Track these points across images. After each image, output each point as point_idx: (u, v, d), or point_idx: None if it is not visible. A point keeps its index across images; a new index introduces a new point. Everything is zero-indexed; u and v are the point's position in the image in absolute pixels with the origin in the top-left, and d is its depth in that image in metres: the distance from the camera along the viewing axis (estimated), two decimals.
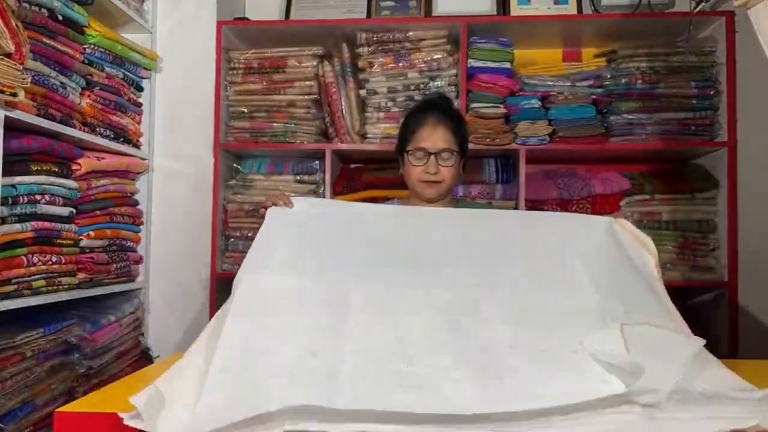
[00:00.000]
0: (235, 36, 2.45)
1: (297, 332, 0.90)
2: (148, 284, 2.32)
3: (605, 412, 0.74)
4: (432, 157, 1.52)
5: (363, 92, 2.31)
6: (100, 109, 2.01)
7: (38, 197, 1.69)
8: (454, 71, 2.28)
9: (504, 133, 2.23)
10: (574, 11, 2.37)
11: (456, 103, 2.26)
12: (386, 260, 1.04)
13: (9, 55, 1.43)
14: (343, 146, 2.31)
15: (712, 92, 2.22)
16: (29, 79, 1.51)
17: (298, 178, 2.36)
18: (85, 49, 1.92)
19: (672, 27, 2.28)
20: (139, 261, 2.26)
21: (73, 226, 1.86)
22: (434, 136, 1.54)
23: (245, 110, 2.37)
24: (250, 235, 2.33)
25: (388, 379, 0.81)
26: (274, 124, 2.35)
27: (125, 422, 0.79)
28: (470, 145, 2.21)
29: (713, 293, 2.26)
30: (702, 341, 0.84)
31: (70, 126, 1.82)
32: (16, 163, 1.60)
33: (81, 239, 1.89)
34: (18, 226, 1.61)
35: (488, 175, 2.32)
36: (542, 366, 0.84)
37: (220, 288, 2.36)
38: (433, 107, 1.61)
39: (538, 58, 2.54)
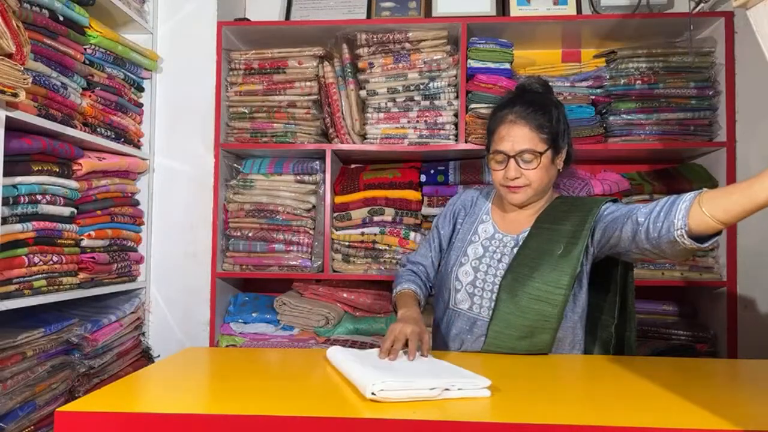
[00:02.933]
0: (235, 36, 2.45)
1: None
2: (149, 284, 2.33)
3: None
4: (511, 160, 1.37)
5: (363, 93, 2.32)
6: (101, 109, 2.02)
7: (39, 197, 1.69)
8: (453, 72, 2.29)
9: None
10: (574, 12, 2.38)
11: (456, 104, 2.26)
12: None
13: (10, 56, 1.44)
14: (343, 146, 2.32)
15: (711, 93, 2.23)
16: (30, 80, 1.52)
17: (298, 178, 2.36)
18: (86, 49, 1.93)
19: (671, 27, 2.29)
20: (139, 261, 2.27)
21: (74, 226, 1.86)
22: (512, 137, 1.37)
23: (246, 111, 2.38)
24: (250, 235, 2.34)
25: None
26: (275, 124, 2.36)
27: None
28: (470, 145, 2.23)
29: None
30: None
31: (71, 126, 1.82)
32: (17, 164, 1.61)
33: (82, 239, 1.90)
34: (19, 226, 1.61)
35: (488, 175, 2.32)
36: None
37: (221, 288, 2.37)
38: (516, 100, 1.42)
39: (537, 58, 2.55)
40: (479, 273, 1.46)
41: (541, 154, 1.38)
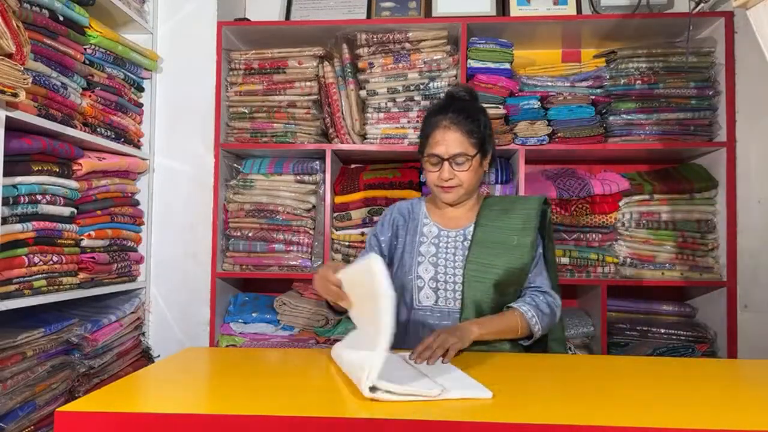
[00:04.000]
0: (235, 36, 2.45)
1: None
2: (149, 284, 2.33)
3: None
4: (445, 162, 1.48)
5: (363, 93, 2.32)
6: (101, 109, 2.02)
7: (39, 197, 1.69)
8: (453, 72, 2.29)
9: (503, 134, 2.24)
10: (574, 12, 2.38)
11: None
12: None
13: (10, 56, 1.44)
14: (343, 146, 2.32)
15: (711, 92, 2.23)
16: (30, 80, 1.52)
17: (298, 178, 2.36)
18: (86, 49, 1.93)
19: (671, 27, 2.29)
20: (139, 261, 2.27)
21: (74, 226, 1.86)
22: (446, 141, 1.48)
23: (246, 111, 2.38)
24: (250, 235, 2.34)
25: None
26: (275, 124, 2.36)
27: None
28: None
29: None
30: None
31: (71, 126, 1.82)
32: (17, 164, 1.61)
33: (82, 239, 1.90)
34: (19, 226, 1.62)
35: (487, 175, 2.32)
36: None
37: (221, 288, 2.37)
38: (448, 107, 1.53)
39: (537, 58, 2.55)
40: (439, 267, 1.52)
41: (472, 157, 1.49)
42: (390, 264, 1.58)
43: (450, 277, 1.50)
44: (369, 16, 2.48)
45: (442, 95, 2.28)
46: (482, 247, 1.51)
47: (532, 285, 1.52)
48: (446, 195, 1.52)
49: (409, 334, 1.54)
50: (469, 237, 1.53)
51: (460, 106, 1.53)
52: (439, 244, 1.54)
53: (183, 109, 2.36)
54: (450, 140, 1.48)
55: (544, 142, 2.25)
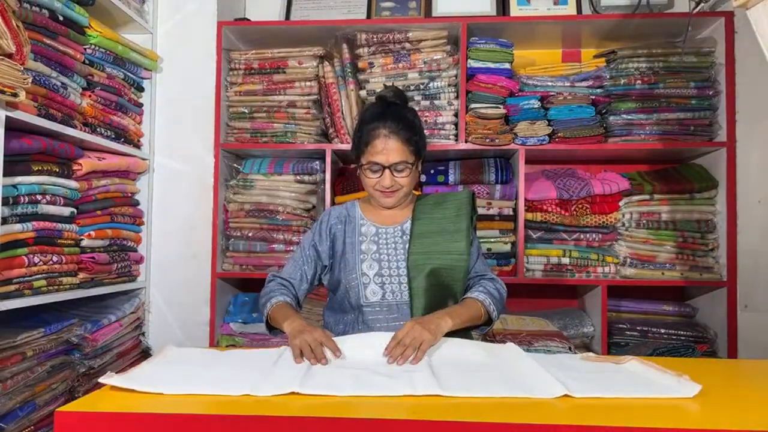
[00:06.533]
0: (235, 36, 2.45)
1: None
2: (149, 284, 2.33)
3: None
4: (386, 170, 1.51)
5: (363, 93, 2.32)
6: (101, 109, 2.02)
7: (39, 197, 1.69)
8: (453, 72, 2.29)
9: (504, 134, 2.24)
10: (574, 12, 2.38)
11: (456, 104, 2.27)
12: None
13: (10, 56, 1.44)
14: (343, 146, 2.32)
15: (711, 92, 2.23)
16: (30, 80, 1.52)
17: (298, 178, 2.36)
18: (85, 49, 1.93)
19: (671, 27, 2.29)
20: (139, 261, 2.27)
21: (74, 226, 1.86)
22: (387, 150, 1.51)
23: (246, 110, 2.38)
24: (250, 235, 2.34)
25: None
26: (275, 124, 2.36)
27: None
28: (470, 146, 2.24)
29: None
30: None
31: (71, 126, 1.82)
32: (17, 164, 1.61)
33: (82, 239, 1.90)
34: (19, 226, 1.62)
35: (488, 175, 2.32)
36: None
37: (220, 288, 2.37)
38: (386, 116, 1.55)
39: (537, 58, 2.55)
40: (383, 262, 1.54)
41: (411, 164, 1.54)
42: (331, 269, 1.61)
43: (394, 271, 1.53)
44: (369, 16, 2.48)
45: (442, 95, 2.28)
46: (422, 237, 1.56)
47: (478, 273, 1.58)
48: (387, 200, 1.56)
49: (360, 331, 1.55)
50: (407, 231, 1.58)
51: (396, 113, 1.55)
52: (378, 241, 1.57)
53: (183, 109, 2.36)
54: (390, 149, 1.51)
55: (544, 142, 2.25)
